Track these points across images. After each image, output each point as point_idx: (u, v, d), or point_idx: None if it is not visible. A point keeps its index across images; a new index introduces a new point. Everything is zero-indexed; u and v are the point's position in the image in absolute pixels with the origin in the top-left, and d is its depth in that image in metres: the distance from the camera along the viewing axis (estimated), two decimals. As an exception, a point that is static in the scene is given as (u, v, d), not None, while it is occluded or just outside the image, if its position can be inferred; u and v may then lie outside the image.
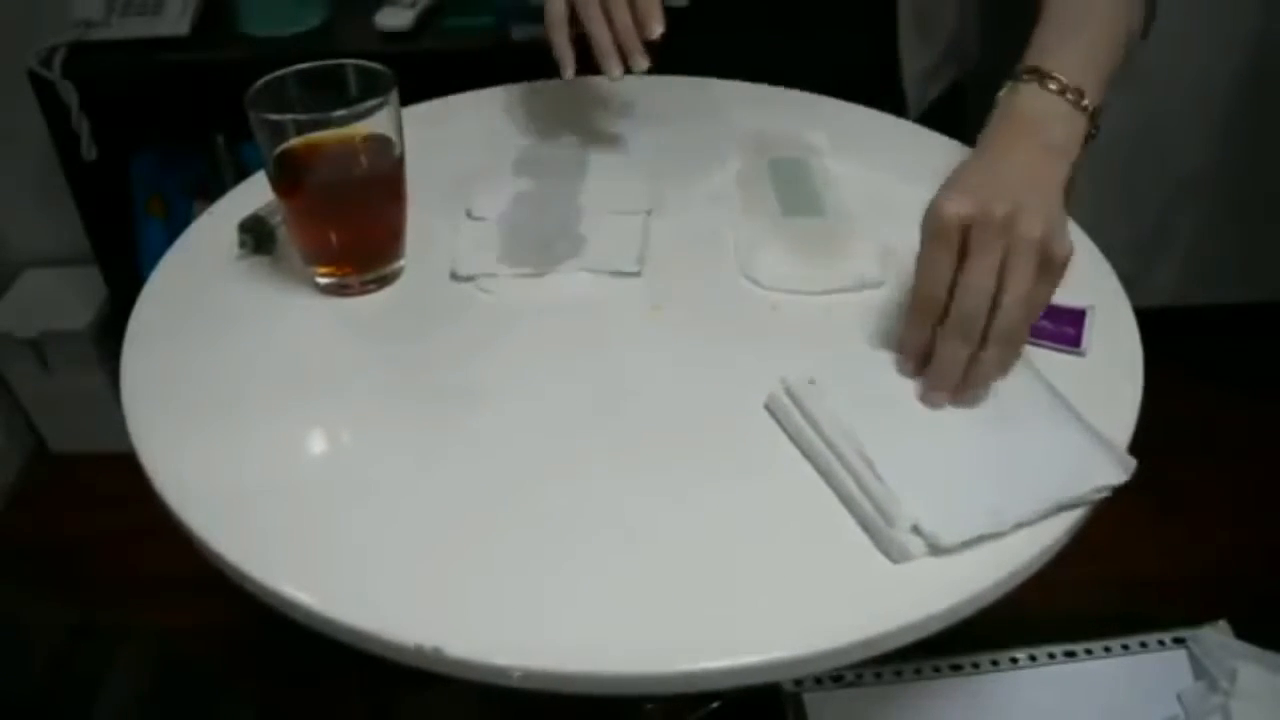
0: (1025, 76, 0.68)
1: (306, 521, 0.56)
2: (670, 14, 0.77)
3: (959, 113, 1.00)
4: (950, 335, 0.59)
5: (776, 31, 0.98)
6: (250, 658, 1.42)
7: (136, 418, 0.62)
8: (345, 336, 0.70)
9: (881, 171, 0.82)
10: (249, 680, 1.41)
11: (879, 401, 0.61)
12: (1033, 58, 0.69)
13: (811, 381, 0.61)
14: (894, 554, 0.53)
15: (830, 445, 0.57)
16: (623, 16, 0.76)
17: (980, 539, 0.53)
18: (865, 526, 0.54)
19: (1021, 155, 0.65)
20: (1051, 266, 0.60)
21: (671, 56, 0.82)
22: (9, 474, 1.72)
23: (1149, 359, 0.66)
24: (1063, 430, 0.59)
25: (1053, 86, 0.67)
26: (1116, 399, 0.63)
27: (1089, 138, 0.68)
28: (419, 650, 0.49)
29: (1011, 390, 0.62)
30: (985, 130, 0.69)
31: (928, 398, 0.61)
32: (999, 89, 0.70)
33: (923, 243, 0.61)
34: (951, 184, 0.63)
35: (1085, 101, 0.67)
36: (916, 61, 0.96)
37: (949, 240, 0.59)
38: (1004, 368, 0.61)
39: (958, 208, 0.59)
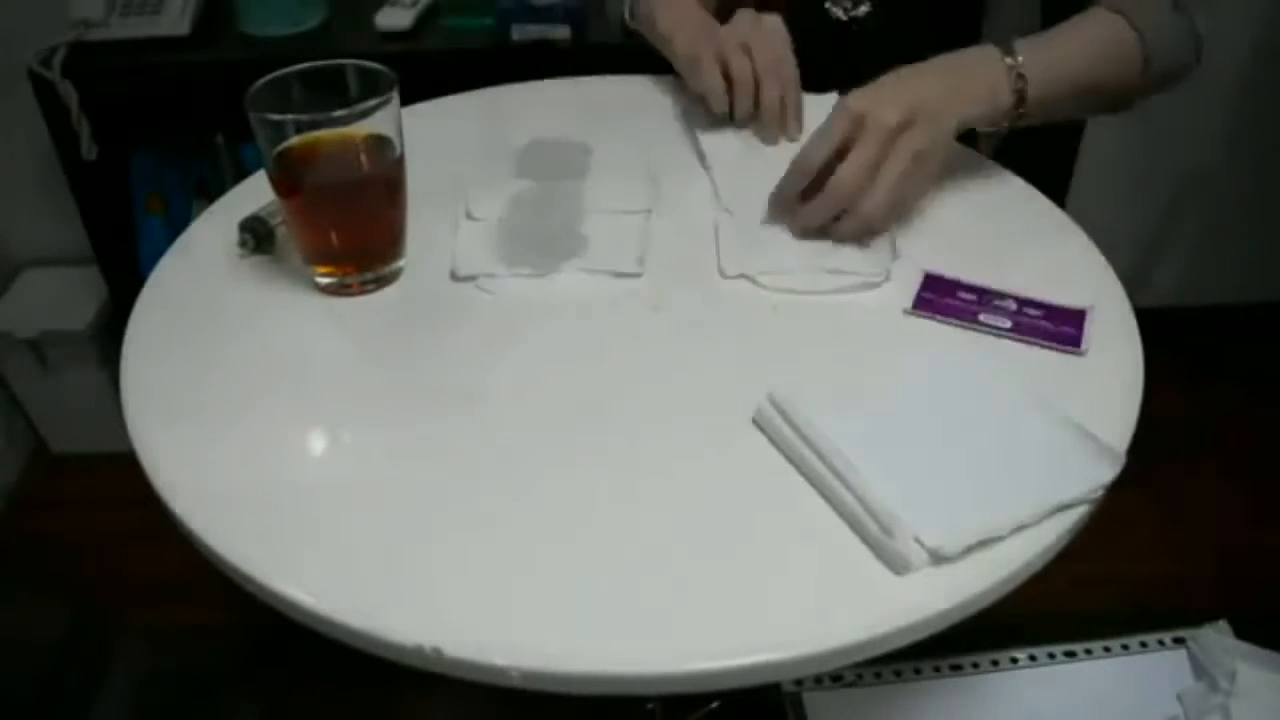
0: (994, 42, 0.78)
1: (306, 521, 0.56)
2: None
3: None
4: (815, 203, 0.73)
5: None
6: (250, 658, 1.42)
7: (136, 417, 0.62)
8: (345, 336, 0.70)
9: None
10: (249, 680, 1.41)
11: (870, 411, 0.61)
12: (1015, 38, 0.78)
13: (798, 393, 0.60)
14: (896, 566, 0.52)
15: (823, 458, 0.57)
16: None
17: (981, 544, 0.53)
18: (865, 539, 0.54)
19: (944, 85, 0.75)
20: (921, 174, 0.74)
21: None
22: (9, 474, 1.72)
23: (1149, 359, 0.66)
24: (1053, 431, 0.59)
25: (1008, 60, 0.76)
26: (1117, 399, 0.63)
27: (1015, 117, 0.78)
28: (419, 650, 0.49)
29: (1001, 396, 0.62)
30: (931, 61, 0.77)
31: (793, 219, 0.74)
32: None
33: (827, 121, 0.73)
34: (874, 84, 0.74)
35: (1023, 86, 0.76)
36: None
37: (841, 127, 0.72)
38: (857, 237, 0.74)
39: (861, 104, 0.72)
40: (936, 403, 0.62)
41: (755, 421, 0.61)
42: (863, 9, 0.92)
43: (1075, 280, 0.72)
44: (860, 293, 0.72)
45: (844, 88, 0.82)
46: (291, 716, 1.38)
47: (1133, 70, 0.82)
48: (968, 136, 0.88)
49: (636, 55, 0.98)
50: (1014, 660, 0.89)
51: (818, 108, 0.80)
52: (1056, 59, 0.79)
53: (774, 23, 0.84)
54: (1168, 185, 1.79)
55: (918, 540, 0.52)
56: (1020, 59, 0.76)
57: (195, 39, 1.38)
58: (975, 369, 0.65)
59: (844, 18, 0.93)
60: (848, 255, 0.74)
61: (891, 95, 0.73)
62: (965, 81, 0.76)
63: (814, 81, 0.88)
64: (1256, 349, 1.84)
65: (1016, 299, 0.69)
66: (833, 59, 0.81)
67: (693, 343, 0.68)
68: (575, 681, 0.49)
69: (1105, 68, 0.82)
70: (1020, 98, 0.77)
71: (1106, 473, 0.56)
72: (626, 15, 0.99)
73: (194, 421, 0.62)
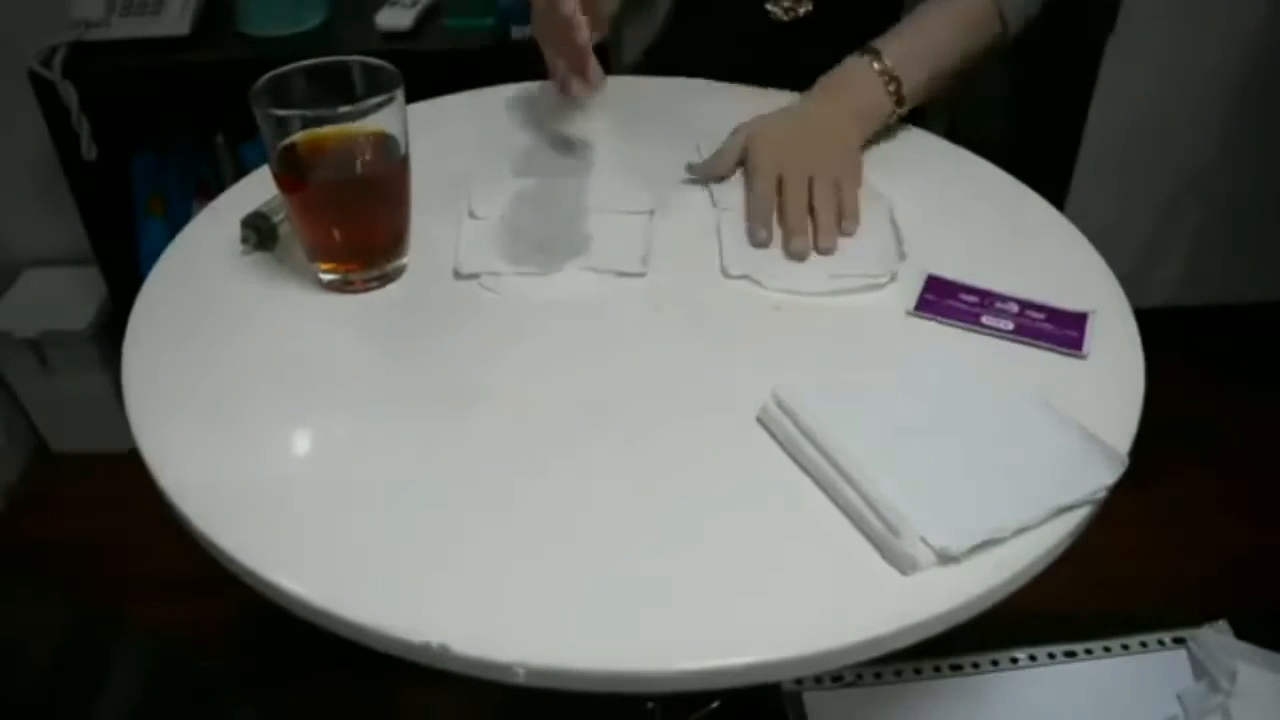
0: (860, 53, 0.83)
1: (311, 517, 0.56)
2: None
3: None
4: (787, 225, 0.76)
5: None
6: (250, 658, 1.42)
7: (138, 415, 0.62)
8: (347, 333, 0.70)
9: (882, 173, 0.82)
10: (249, 680, 1.41)
11: (873, 411, 0.61)
12: (877, 41, 0.84)
13: (803, 392, 0.60)
14: (903, 566, 0.52)
15: (828, 457, 0.57)
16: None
17: (985, 545, 0.53)
18: (871, 539, 0.54)
19: (834, 119, 0.83)
20: (841, 193, 0.77)
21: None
22: (9, 474, 1.72)
23: (1149, 359, 0.66)
24: (1056, 433, 0.59)
25: (877, 67, 0.82)
26: (1118, 401, 0.63)
27: (896, 115, 0.84)
28: (426, 648, 0.49)
29: (1003, 397, 0.62)
30: (818, 85, 0.84)
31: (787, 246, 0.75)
32: None
33: (750, 177, 0.80)
34: (773, 137, 0.81)
35: (899, 88, 0.83)
36: None
37: (770, 180, 0.78)
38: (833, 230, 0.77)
39: (773, 166, 0.78)
40: (939, 404, 0.62)
41: (760, 420, 0.61)
42: (803, 9, 0.92)
43: (1076, 284, 0.72)
44: (863, 294, 0.72)
45: (786, 87, 0.86)
46: (292, 716, 1.38)
47: (994, 33, 0.87)
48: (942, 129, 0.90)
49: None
50: (1014, 660, 0.89)
51: (761, 103, 0.85)
52: (922, 51, 0.84)
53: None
54: (1168, 185, 1.79)
55: (923, 540, 0.52)
56: (889, 63, 0.82)
57: (195, 39, 1.38)
58: (977, 370, 0.65)
59: (784, 18, 0.93)
60: (852, 256, 0.74)
61: (792, 142, 0.80)
62: (850, 102, 0.83)
63: (756, 82, 0.90)
64: (1257, 349, 1.84)
65: (1018, 301, 0.70)
66: (774, 60, 0.82)
67: (695, 342, 0.68)
68: (578, 679, 0.49)
69: (969, 42, 0.86)
70: (898, 98, 0.83)
71: (1109, 475, 0.56)
72: None
73: (197, 419, 0.62)
